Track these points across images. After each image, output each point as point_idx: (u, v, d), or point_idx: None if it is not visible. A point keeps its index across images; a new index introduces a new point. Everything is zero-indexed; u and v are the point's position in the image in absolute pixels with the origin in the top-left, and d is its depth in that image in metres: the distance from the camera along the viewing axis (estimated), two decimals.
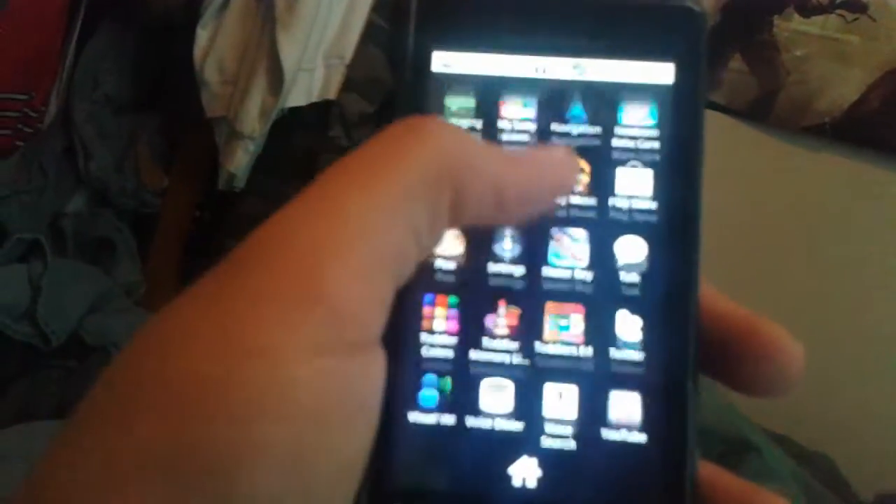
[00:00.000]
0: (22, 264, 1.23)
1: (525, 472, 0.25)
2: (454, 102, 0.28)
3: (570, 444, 0.26)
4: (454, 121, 0.28)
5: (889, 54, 1.09)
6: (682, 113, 0.27)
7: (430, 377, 0.26)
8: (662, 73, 0.27)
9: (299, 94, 1.26)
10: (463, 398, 0.26)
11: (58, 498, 0.19)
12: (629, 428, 0.26)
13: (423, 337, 0.26)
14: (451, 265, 0.27)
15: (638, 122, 0.27)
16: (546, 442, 0.26)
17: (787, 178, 1.19)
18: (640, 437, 0.25)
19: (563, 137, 0.28)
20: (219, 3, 1.31)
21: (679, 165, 0.27)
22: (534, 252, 0.27)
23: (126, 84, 1.53)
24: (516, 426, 0.26)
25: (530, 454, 0.25)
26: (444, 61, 0.28)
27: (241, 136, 1.27)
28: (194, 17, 1.33)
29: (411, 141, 0.23)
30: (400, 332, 0.26)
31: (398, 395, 0.25)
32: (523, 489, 0.25)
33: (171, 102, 1.54)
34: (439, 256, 0.27)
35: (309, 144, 1.30)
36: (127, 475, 0.18)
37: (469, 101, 0.28)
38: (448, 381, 0.26)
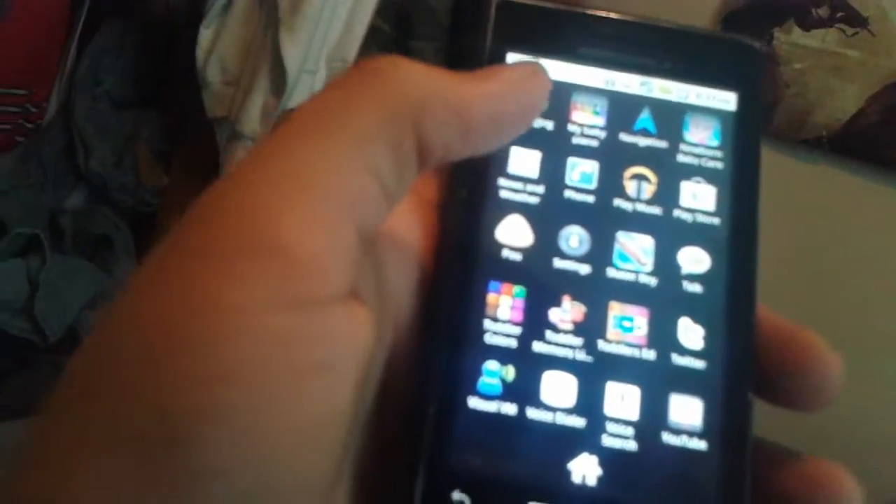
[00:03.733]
0: (20, 259, 1.23)
1: (585, 468, 0.25)
2: None
3: (631, 445, 0.26)
4: None
5: (888, 69, 1.10)
6: (743, 138, 0.28)
7: (492, 364, 0.26)
8: (726, 100, 0.29)
9: (302, 96, 1.27)
10: (525, 389, 0.26)
11: (27, 475, 0.18)
12: (689, 434, 0.26)
13: (487, 324, 0.26)
14: (518, 256, 0.27)
15: (702, 142, 0.28)
16: (607, 441, 0.26)
17: (784, 191, 1.19)
18: (700, 444, 0.26)
19: (631, 147, 0.28)
20: (222, 3, 1.32)
21: (739, 185, 0.28)
22: (600, 252, 0.27)
23: (128, 81, 1.54)
24: (578, 422, 0.26)
25: (591, 451, 0.25)
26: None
27: (242, 136, 1.28)
28: (197, 16, 1.33)
29: (367, 82, 0.23)
30: (463, 317, 0.26)
31: (459, 380, 0.25)
32: (583, 486, 0.25)
33: (172, 101, 1.54)
34: (507, 246, 0.27)
35: None
36: (95, 448, 0.18)
37: None
38: (510, 371, 0.26)
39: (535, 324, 0.26)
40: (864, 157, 1.14)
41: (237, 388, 0.18)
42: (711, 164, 0.28)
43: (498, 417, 0.25)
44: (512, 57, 0.28)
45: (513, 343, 0.26)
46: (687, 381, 0.26)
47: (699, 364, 0.26)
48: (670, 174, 0.28)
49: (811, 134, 1.15)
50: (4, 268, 1.20)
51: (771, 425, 0.27)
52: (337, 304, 0.20)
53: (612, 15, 0.29)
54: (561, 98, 0.28)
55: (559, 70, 0.29)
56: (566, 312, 0.27)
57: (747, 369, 0.26)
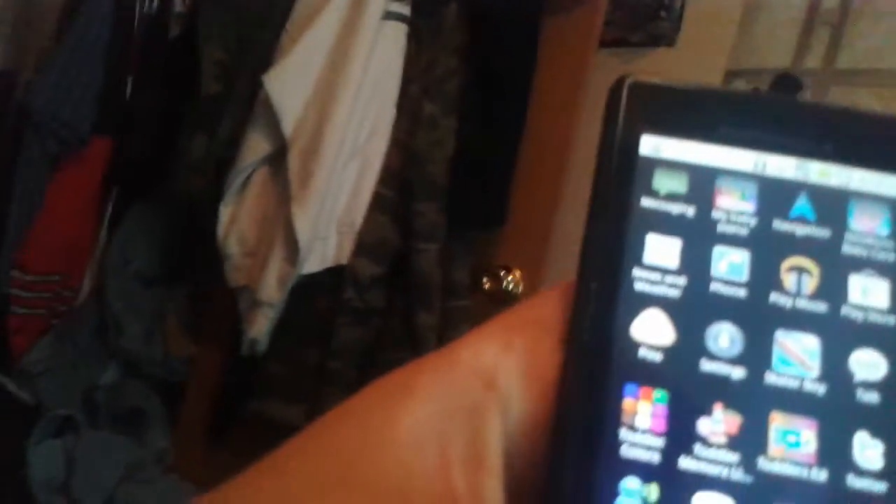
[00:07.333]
0: (57, 440, 1.29)
1: None
2: (664, 185, 0.25)
3: None
4: (661, 205, 0.25)
5: None
6: None
7: (631, 481, 0.22)
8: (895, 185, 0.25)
9: (314, 261, 1.35)
10: None
11: None
12: None
13: (624, 434, 0.22)
14: (659, 356, 0.23)
15: (870, 231, 0.25)
16: None
17: None
18: None
19: (787, 236, 0.25)
20: (239, 183, 1.43)
21: None
22: (756, 353, 0.23)
23: (154, 260, 1.64)
24: None
25: None
26: (653, 145, 0.26)
27: (261, 303, 1.35)
28: (216, 196, 1.44)
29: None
30: (596, 425, 0.23)
31: (593, 500, 0.22)
32: None
33: (196, 275, 1.63)
34: (644, 344, 0.23)
35: (325, 307, 1.38)
36: None
37: (680, 186, 0.25)
38: (653, 490, 0.22)
39: (681, 435, 0.22)
40: None
41: None
42: (883, 255, 0.25)
43: None
44: (646, 140, 0.26)
45: (655, 457, 0.22)
46: None
47: (879, 487, 0.22)
48: (836, 266, 0.24)
49: None
50: (42, 449, 1.26)
51: None
52: None
53: (759, 94, 0.30)
54: (703, 182, 0.25)
55: (700, 152, 0.26)
56: (718, 423, 0.23)
57: None
